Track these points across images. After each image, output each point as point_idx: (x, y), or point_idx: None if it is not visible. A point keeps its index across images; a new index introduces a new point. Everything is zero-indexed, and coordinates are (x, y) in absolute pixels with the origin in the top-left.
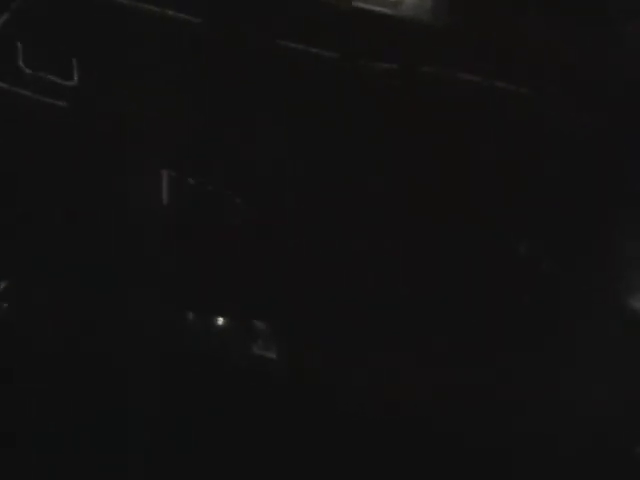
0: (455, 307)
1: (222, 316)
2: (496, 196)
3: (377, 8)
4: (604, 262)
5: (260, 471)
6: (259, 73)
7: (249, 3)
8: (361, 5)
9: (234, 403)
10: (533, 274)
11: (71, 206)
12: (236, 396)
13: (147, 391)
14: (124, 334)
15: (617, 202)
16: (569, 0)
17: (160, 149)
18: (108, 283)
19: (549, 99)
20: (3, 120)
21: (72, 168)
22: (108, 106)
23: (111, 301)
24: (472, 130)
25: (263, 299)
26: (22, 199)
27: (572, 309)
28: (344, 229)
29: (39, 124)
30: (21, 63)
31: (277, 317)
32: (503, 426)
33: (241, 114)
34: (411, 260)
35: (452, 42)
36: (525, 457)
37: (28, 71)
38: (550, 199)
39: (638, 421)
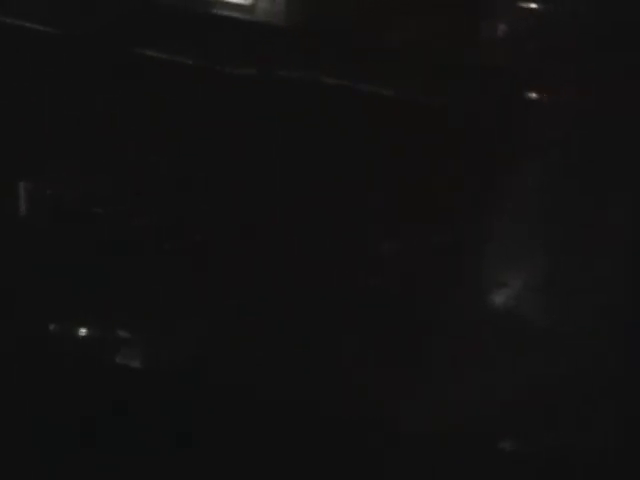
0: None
1: (84, 326)
2: (357, 196)
3: (231, 13)
4: (467, 258)
5: None
6: (113, 82)
7: (102, 11)
8: (215, 11)
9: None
10: (395, 269)
11: None
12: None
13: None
14: None
15: (481, 197)
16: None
17: (16, 159)
18: None
19: (414, 100)
20: None
21: None
22: None
23: None
24: (334, 132)
25: (128, 308)
26: None
27: (435, 304)
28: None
29: None
30: None
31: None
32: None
33: (96, 123)
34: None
35: (309, 45)
36: (391, 455)
37: None
38: (410, 195)
39: (501, 417)
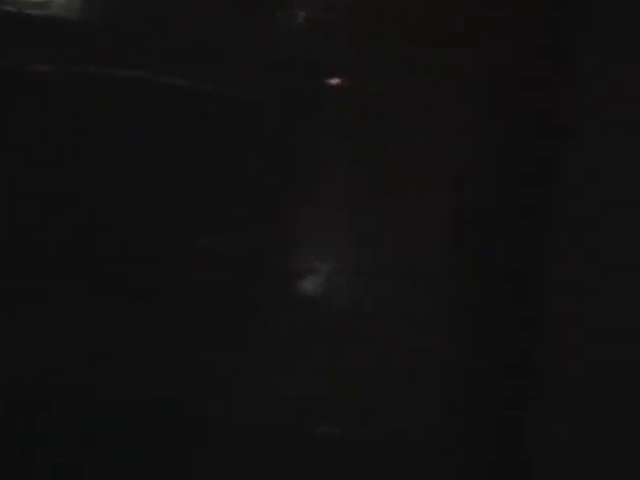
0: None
1: None
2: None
3: (25, 10)
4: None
5: None
6: None
7: None
8: (7, 8)
9: None
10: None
11: None
12: None
13: None
14: None
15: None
16: None
17: None
18: None
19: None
20: None
21: None
22: None
23: None
24: (136, 128)
25: None
26: None
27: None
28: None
29: None
30: None
31: None
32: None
33: None
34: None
35: (107, 41)
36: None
37: None
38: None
39: (320, 403)
